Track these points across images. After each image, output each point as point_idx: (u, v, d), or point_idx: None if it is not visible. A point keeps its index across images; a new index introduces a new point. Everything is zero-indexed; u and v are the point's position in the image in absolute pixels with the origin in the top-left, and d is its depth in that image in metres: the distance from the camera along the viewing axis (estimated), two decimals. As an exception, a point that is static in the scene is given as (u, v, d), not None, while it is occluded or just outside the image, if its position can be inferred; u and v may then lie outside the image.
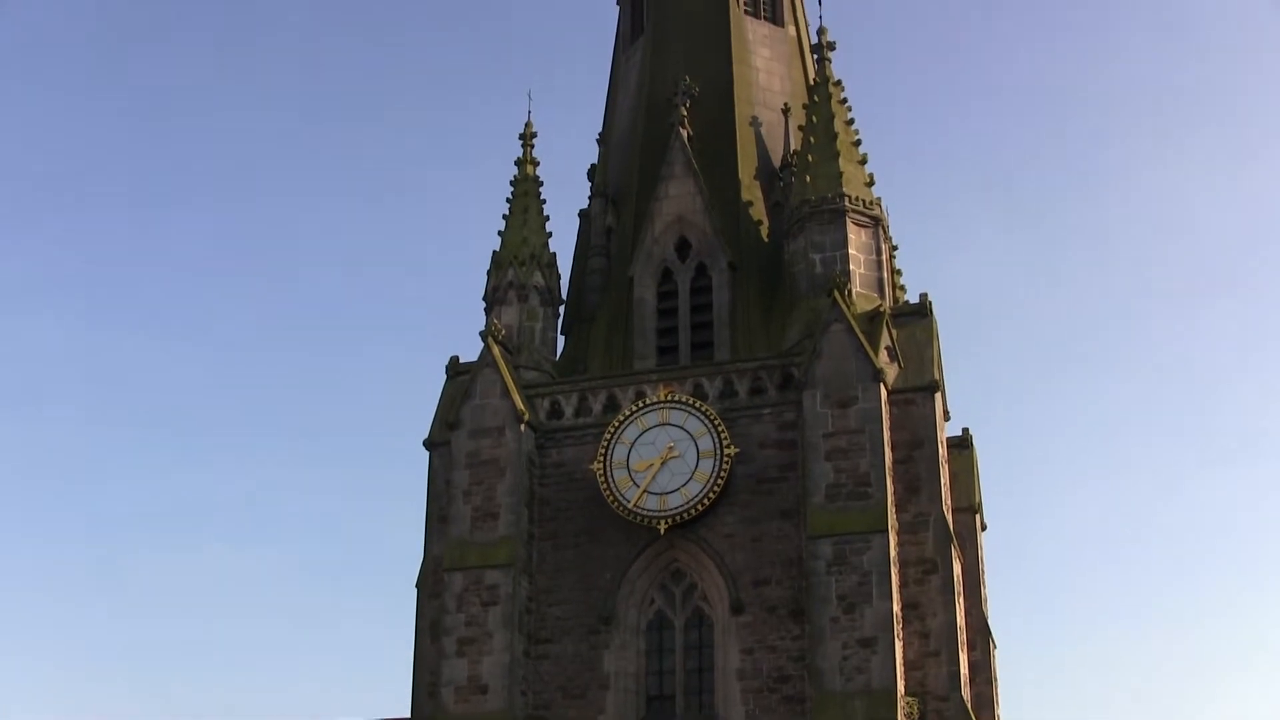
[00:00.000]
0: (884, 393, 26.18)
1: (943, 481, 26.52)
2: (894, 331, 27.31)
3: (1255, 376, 68.33)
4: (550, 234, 30.55)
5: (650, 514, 26.59)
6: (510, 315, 29.22)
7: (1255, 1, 69.37)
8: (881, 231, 28.76)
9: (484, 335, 28.51)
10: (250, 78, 75.07)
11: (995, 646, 28.59)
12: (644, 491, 26.76)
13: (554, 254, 30.32)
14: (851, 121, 29.78)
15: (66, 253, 72.51)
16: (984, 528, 30.33)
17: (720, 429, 26.77)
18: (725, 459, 26.56)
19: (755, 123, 31.44)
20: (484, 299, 29.76)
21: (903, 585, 25.40)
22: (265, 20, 75.36)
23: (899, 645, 24.60)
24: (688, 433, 27.00)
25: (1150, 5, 73.37)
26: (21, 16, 70.13)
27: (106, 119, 73.63)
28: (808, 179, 28.81)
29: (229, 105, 74.26)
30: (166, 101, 73.85)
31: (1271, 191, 69.24)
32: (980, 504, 30.28)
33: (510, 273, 29.60)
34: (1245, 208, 69.69)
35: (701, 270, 29.72)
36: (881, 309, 27.47)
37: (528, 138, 31.60)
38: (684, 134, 30.54)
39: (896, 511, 25.73)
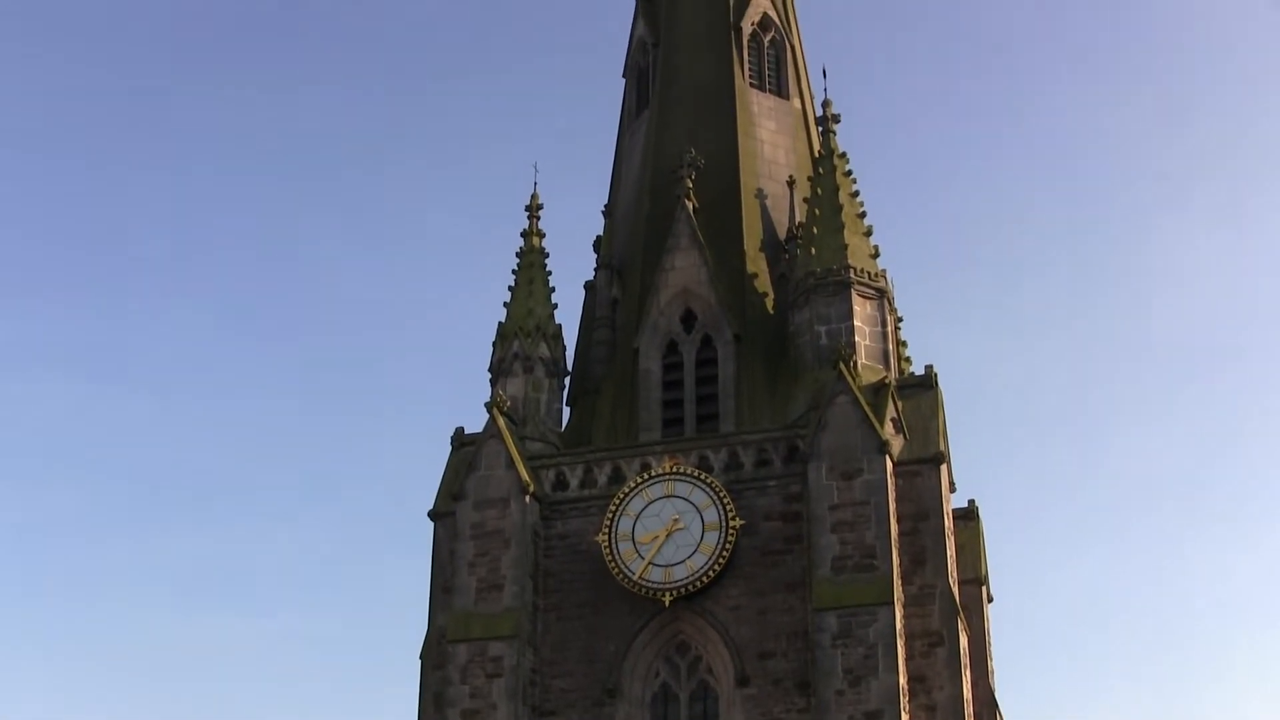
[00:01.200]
0: (889, 464, 26.47)
1: (949, 553, 26.77)
2: (899, 403, 27.64)
3: (1258, 442, 68.89)
4: (556, 305, 31.00)
5: (655, 586, 26.84)
6: (516, 387, 29.58)
7: (1259, 67, 70.42)
8: (886, 303, 29.17)
9: (489, 407, 28.86)
10: (256, 145, 76.04)
11: (1002, 719, 28.70)
12: (649, 564, 27.01)
13: (559, 325, 30.72)
14: (856, 194, 30.27)
15: (71, 313, 73.27)
16: (990, 599, 30.57)
17: (725, 501, 27.06)
18: (730, 531, 26.83)
19: (760, 195, 31.93)
20: (489, 370, 30.15)
21: (909, 658, 25.57)
22: (272, 94, 76.45)
23: (905, 718, 24.73)
24: (693, 505, 27.29)
25: (1151, 76, 74.40)
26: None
27: (108, 179, 74.61)
28: (813, 251, 29.25)
29: (229, 167, 75.31)
30: (166, 159, 74.89)
31: (1275, 250, 70.16)
32: (986, 575, 30.53)
33: (516, 344, 29.99)
34: (1249, 269, 70.50)
35: (707, 342, 30.10)
36: (887, 381, 27.82)
37: (534, 209, 32.08)
38: (689, 206, 31.01)
39: (902, 584, 25.96)
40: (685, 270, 30.64)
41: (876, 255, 29.56)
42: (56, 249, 74.14)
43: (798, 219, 31.12)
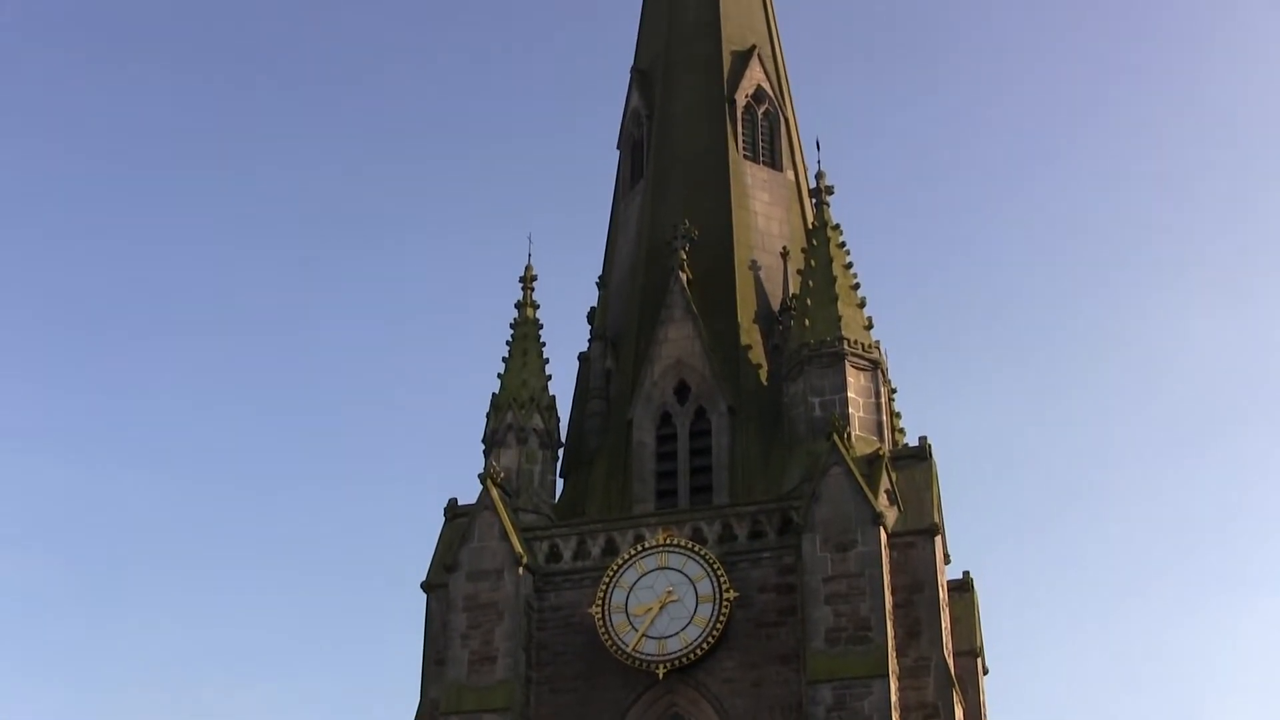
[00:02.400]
0: (884, 536, 26.76)
1: (944, 625, 27.02)
2: (893, 475, 27.99)
3: (1255, 517, 69.30)
4: (550, 377, 31.35)
5: (649, 658, 27.05)
6: (509, 458, 29.88)
7: (1255, 146, 71.23)
8: (880, 375, 29.54)
9: (483, 478, 29.16)
10: (249, 216, 76.71)
11: (998, 793, 28.88)
12: (642, 635, 27.24)
13: (553, 397, 31.10)
14: (850, 265, 30.71)
15: (65, 389, 73.63)
16: (986, 671, 30.78)
17: (719, 573, 27.33)
18: (724, 603, 27.08)
19: (754, 266, 32.38)
20: (483, 441, 30.47)
21: (904, 731, 25.75)
22: (265, 164, 77.22)
23: (900, 792, 24.91)
24: (686, 576, 27.55)
25: (1147, 152, 75.30)
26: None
27: (107, 255, 75.26)
28: (806, 323, 29.65)
29: (228, 242, 76.06)
30: (161, 235, 75.57)
31: (1272, 324, 70.80)
32: (982, 648, 30.76)
33: (509, 415, 30.32)
34: (1246, 344, 71.14)
35: (701, 414, 30.45)
36: (881, 452, 28.16)
37: (528, 280, 32.53)
38: (683, 278, 31.45)
39: (897, 656, 26.20)
40: (679, 342, 31.04)
41: (870, 327, 29.97)
42: (49, 324, 74.97)
43: (791, 291, 31.57)
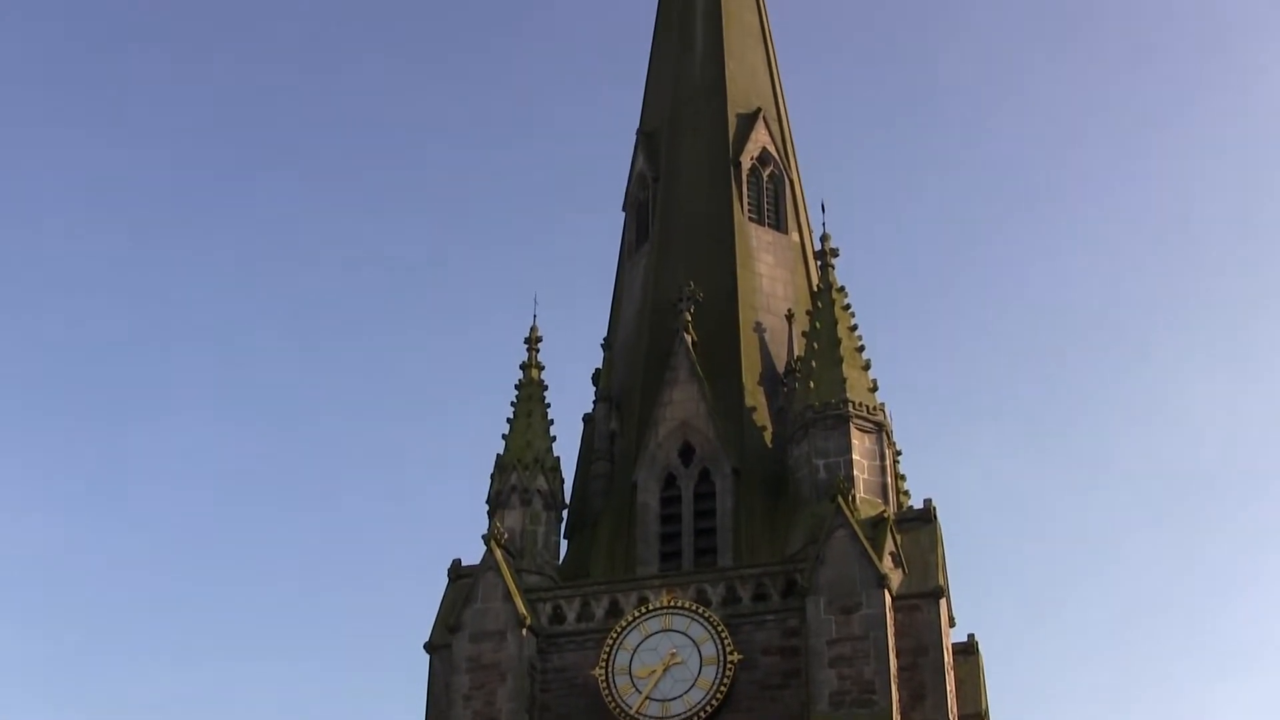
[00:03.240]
0: (888, 599, 26.93)
1: (948, 688, 27.13)
2: (898, 537, 28.18)
3: (1260, 585, 69.46)
4: (554, 438, 31.62)
5: (653, 721, 27.15)
6: (513, 519, 30.11)
7: (1265, 207, 71.81)
8: (885, 437, 29.78)
9: (486, 539, 29.36)
10: (252, 272, 77.37)
11: None
12: (646, 698, 27.37)
13: (558, 458, 31.33)
14: (855, 327, 31.02)
15: (62, 454, 73.91)
16: (991, 736, 30.83)
17: (723, 635, 27.49)
18: (728, 665, 27.23)
19: (759, 328, 32.69)
20: (487, 502, 30.70)
21: (909, 795, 25.85)
22: (270, 229, 77.93)
23: None
24: (690, 639, 27.71)
25: (1150, 205, 75.96)
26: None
27: (104, 328, 75.73)
28: (811, 385, 29.92)
29: (225, 298, 76.56)
30: (166, 309, 76.05)
31: (1272, 391, 71.26)
32: (987, 711, 30.87)
33: (514, 476, 30.57)
34: (1248, 413, 71.58)
35: (705, 476, 30.68)
36: (885, 514, 28.38)
37: (533, 342, 32.84)
38: (688, 339, 31.76)
39: (902, 719, 26.26)
40: (684, 404, 31.30)
41: (875, 389, 30.24)
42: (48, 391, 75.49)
43: (796, 353, 31.85)
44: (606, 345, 34.40)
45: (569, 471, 31.91)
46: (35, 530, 70.61)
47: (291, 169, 79.49)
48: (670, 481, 30.78)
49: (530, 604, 28.71)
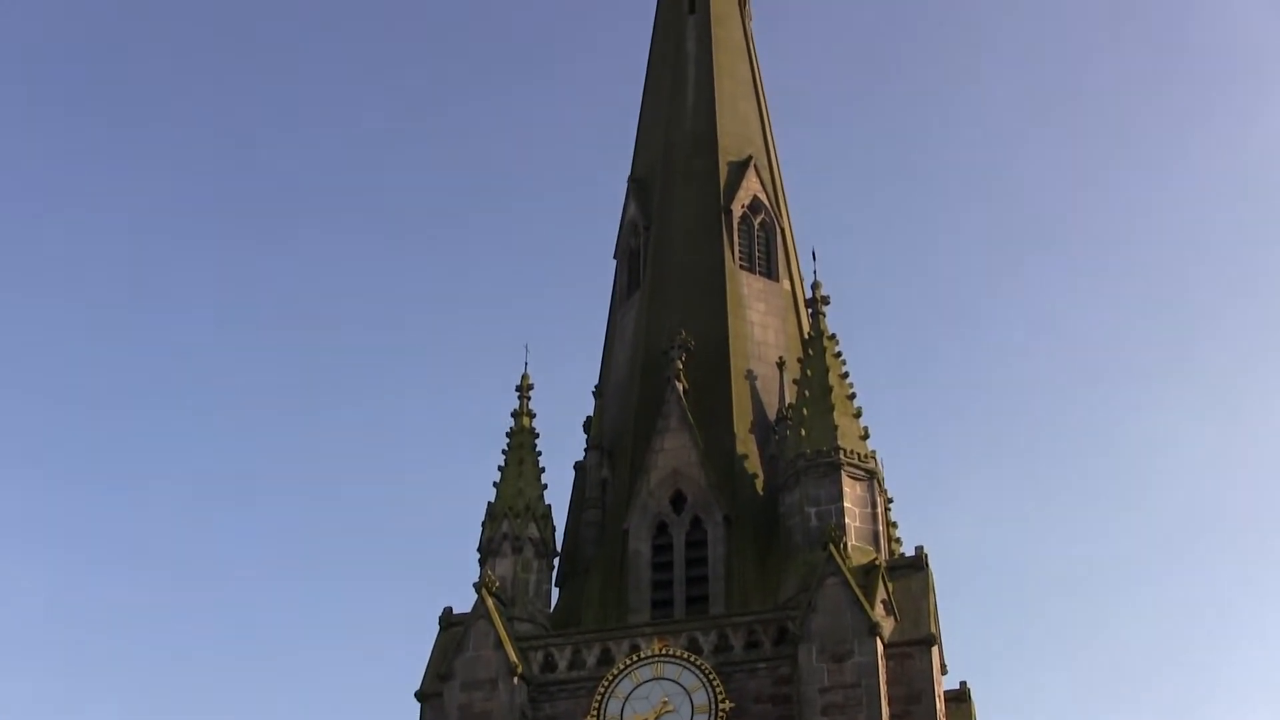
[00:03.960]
0: (880, 646, 27.08)
1: (941, 737, 27.25)
2: (890, 584, 28.35)
3: (1253, 622, 69.76)
4: (546, 486, 31.77)
5: (644, 769, 27.26)
6: (504, 567, 30.25)
7: (1256, 257, 72.37)
8: (877, 484, 30.02)
9: (478, 587, 29.50)
10: (247, 320, 77.78)
11: None
12: (638, 747, 27.46)
13: (549, 506, 31.52)
14: (846, 375, 31.28)
15: (56, 487, 74.30)
16: (985, 783, 30.95)
17: (715, 683, 27.61)
18: (720, 713, 27.34)
19: (750, 376, 32.94)
20: (478, 550, 30.86)
21: (901, 843, 25.95)
22: (265, 263, 78.45)
23: None
24: (682, 687, 27.82)
25: (1142, 251, 76.46)
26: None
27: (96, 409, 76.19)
28: (803, 432, 30.16)
29: (227, 346, 76.98)
30: (160, 360, 76.48)
31: (1263, 430, 71.68)
32: (980, 759, 30.95)
33: (505, 524, 30.74)
34: (1239, 448, 72.22)
35: (697, 523, 30.87)
36: (877, 562, 28.56)
37: (524, 389, 33.06)
38: (680, 387, 32.00)
39: (894, 767, 26.41)
40: (675, 451, 31.52)
41: (866, 436, 30.47)
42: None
43: (788, 400, 32.10)
44: (598, 393, 34.62)
45: (560, 519, 32.21)
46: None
47: (283, 218, 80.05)
48: (662, 529, 30.97)
49: (522, 652, 28.83)
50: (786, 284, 35.26)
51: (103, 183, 78.47)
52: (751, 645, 28.34)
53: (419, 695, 29.64)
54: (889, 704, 26.77)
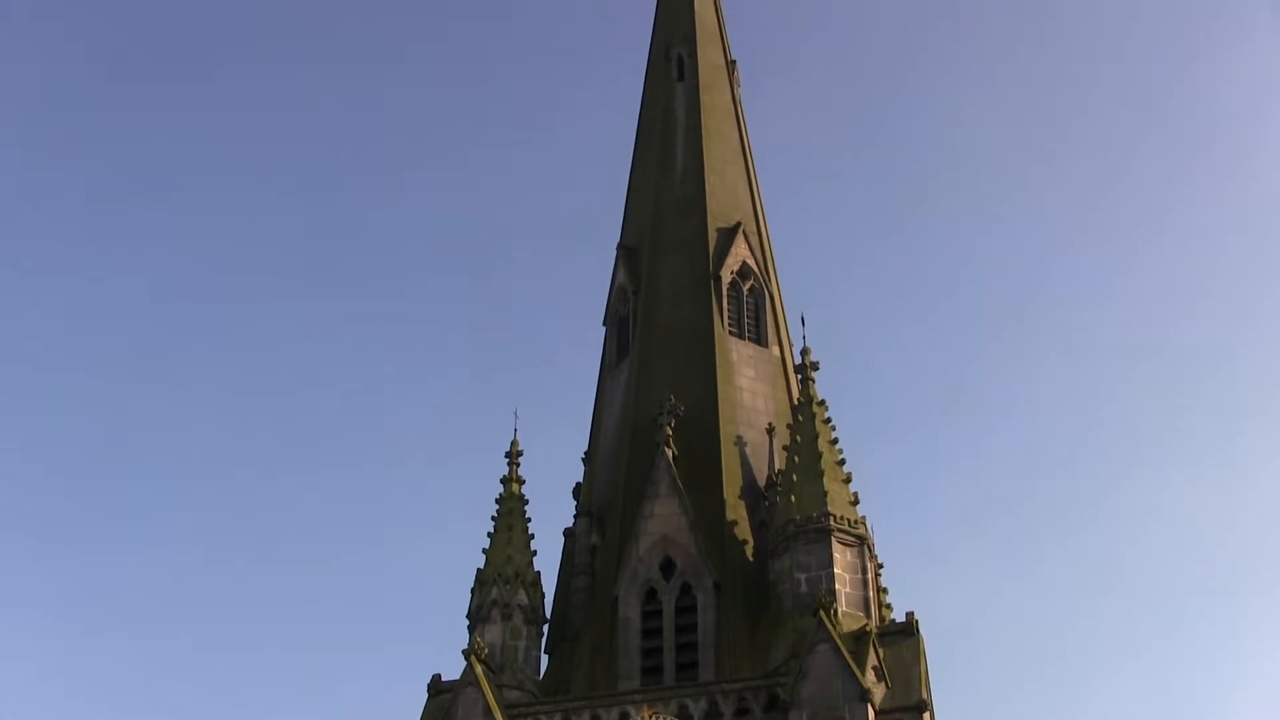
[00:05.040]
0: (871, 713, 27.21)
1: (932, 804, 27.38)
2: (881, 651, 28.51)
3: (1243, 687, 69.90)
4: (535, 552, 32.01)
5: (634, 838, 27.35)
6: (493, 634, 30.41)
7: (1247, 326, 72.95)
8: (867, 550, 30.23)
9: (466, 654, 29.62)
10: (242, 405, 78.31)
11: None
12: (628, 815, 27.55)
13: (538, 572, 31.73)
14: (835, 441, 31.57)
15: (59, 555, 74.38)
16: None
17: (706, 750, 27.71)
18: (711, 781, 27.44)
19: (740, 442, 33.21)
20: (467, 617, 31.01)
21: None
22: (258, 347, 78.90)
23: None
24: (672, 754, 27.93)
25: (1128, 316, 77.06)
26: None
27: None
28: (792, 498, 30.41)
29: (209, 419, 77.26)
30: (151, 429, 76.84)
31: (1254, 495, 72.17)
32: (972, 828, 31.04)
33: (494, 591, 30.92)
34: (1230, 515, 72.78)
35: (686, 590, 31.05)
36: (868, 628, 28.75)
37: (514, 455, 33.31)
38: (669, 453, 32.27)
39: (885, 835, 26.53)
40: (665, 518, 31.75)
41: (856, 502, 30.74)
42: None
43: (777, 466, 32.40)
44: (587, 459, 34.91)
45: (550, 586, 32.42)
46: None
47: (277, 291, 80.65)
48: (651, 595, 31.15)
49: (511, 719, 28.91)
50: (776, 350, 35.59)
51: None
52: (742, 712, 28.48)
53: (408, 763, 29.79)
54: (880, 770, 26.96)
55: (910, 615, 29.81)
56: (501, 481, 32.97)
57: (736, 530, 31.87)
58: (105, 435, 77.17)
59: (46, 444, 76.77)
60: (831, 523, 29.86)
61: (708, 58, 40.91)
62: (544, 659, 31.39)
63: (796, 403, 32.80)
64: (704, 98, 39.74)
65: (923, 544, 66.28)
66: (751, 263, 36.41)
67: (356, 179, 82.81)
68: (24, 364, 76.99)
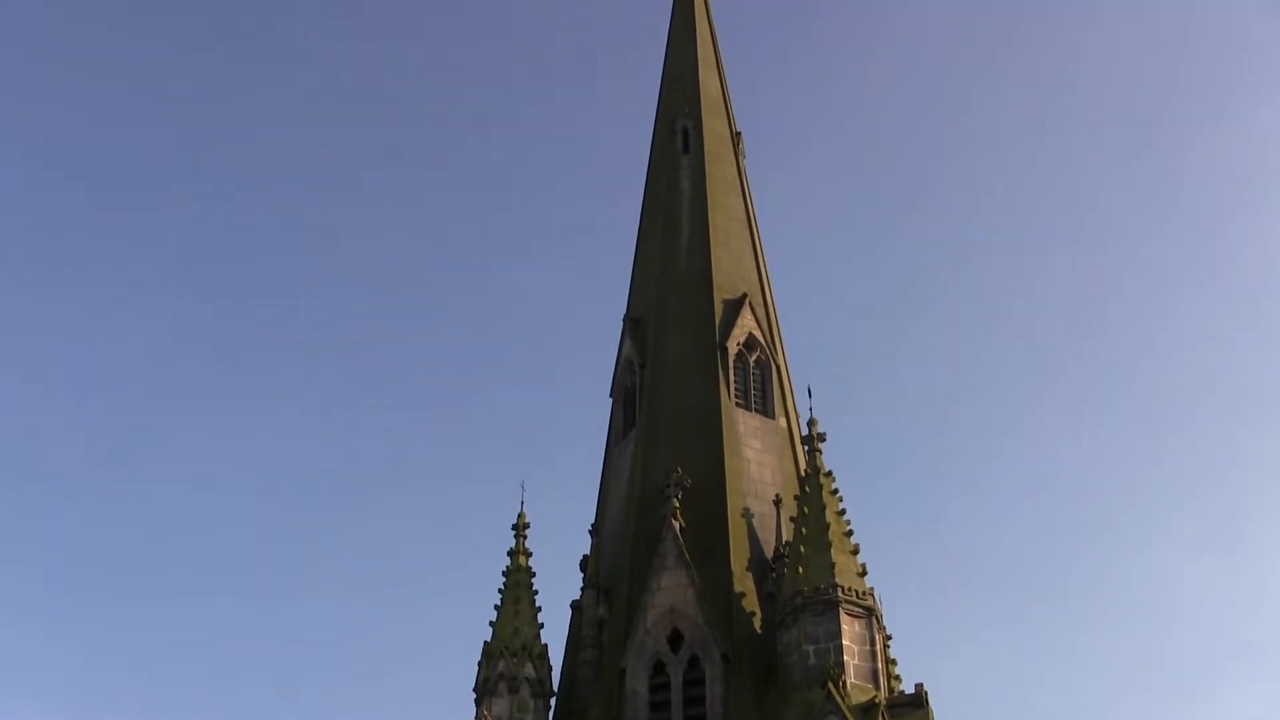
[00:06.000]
0: (881, 786, 27.36)
1: None
2: (890, 723, 28.62)
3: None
4: (542, 625, 32.24)
5: None
6: (501, 707, 30.56)
7: (1256, 392, 73.16)
8: (875, 621, 30.38)
9: (474, 727, 29.81)
10: (244, 466, 78.46)
11: None
12: None
13: (545, 645, 31.93)
14: (843, 512, 31.79)
15: (61, 642, 74.39)
16: None
17: (714, 824, 27.82)
18: None
19: (747, 514, 33.43)
20: (474, 690, 31.22)
21: None
22: (262, 407, 79.20)
23: None
24: (681, 828, 28.02)
25: (1139, 386, 77.36)
26: None
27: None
28: (800, 570, 30.60)
29: (221, 488, 77.65)
30: (157, 495, 77.01)
31: (1262, 557, 72.32)
32: None
33: (501, 664, 31.10)
34: (1242, 586, 72.70)
35: (694, 662, 31.18)
36: (877, 700, 28.89)
37: (520, 528, 33.58)
38: (676, 525, 32.47)
39: None
40: (672, 590, 31.91)
41: (864, 574, 30.92)
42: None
43: (785, 538, 32.57)
44: (594, 531, 35.10)
45: (557, 659, 32.56)
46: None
47: (277, 364, 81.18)
48: (659, 668, 31.28)
49: (518, 794, 29.07)
50: (783, 421, 35.85)
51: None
52: (751, 785, 28.60)
53: (414, 838, 29.91)
54: (890, 844, 27.05)
55: (920, 687, 29.88)
56: (508, 554, 33.23)
57: (744, 602, 32.03)
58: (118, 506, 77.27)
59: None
60: (839, 594, 30.02)
61: (713, 129, 41.44)
62: (551, 732, 31.53)
63: (803, 474, 33.05)
64: (709, 169, 40.22)
65: (932, 615, 66.43)
66: (757, 334, 36.72)
67: (370, 256, 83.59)
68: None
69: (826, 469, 32.33)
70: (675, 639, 31.44)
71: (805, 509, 31.66)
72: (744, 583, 32.35)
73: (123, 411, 79.31)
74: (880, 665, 29.90)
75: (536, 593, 32.69)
